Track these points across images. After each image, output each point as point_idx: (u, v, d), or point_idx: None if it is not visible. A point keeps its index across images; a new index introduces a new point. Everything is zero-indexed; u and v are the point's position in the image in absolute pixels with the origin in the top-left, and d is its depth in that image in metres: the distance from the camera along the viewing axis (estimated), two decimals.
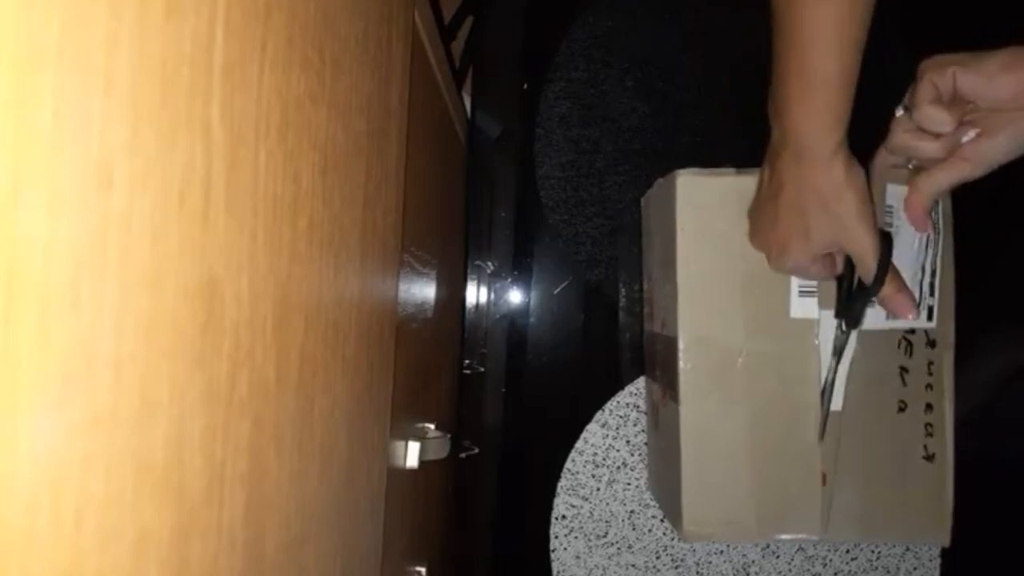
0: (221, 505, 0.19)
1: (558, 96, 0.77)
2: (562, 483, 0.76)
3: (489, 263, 0.77)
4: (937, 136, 0.48)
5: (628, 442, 0.76)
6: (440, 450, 0.51)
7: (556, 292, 0.78)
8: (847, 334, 0.57)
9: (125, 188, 0.14)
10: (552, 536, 0.76)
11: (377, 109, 0.35)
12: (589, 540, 0.76)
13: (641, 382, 0.76)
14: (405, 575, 0.49)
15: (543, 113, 0.77)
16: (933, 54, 0.47)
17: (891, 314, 0.55)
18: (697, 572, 0.76)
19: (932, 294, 0.57)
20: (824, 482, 0.57)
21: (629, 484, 0.76)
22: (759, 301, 0.57)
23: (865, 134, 0.50)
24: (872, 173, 0.54)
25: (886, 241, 0.51)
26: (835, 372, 0.57)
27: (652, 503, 0.75)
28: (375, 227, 0.35)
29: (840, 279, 0.55)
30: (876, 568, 0.76)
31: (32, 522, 0.12)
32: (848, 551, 0.76)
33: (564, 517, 0.76)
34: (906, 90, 0.49)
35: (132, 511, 0.15)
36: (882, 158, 0.53)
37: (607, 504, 0.76)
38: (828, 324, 0.57)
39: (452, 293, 0.70)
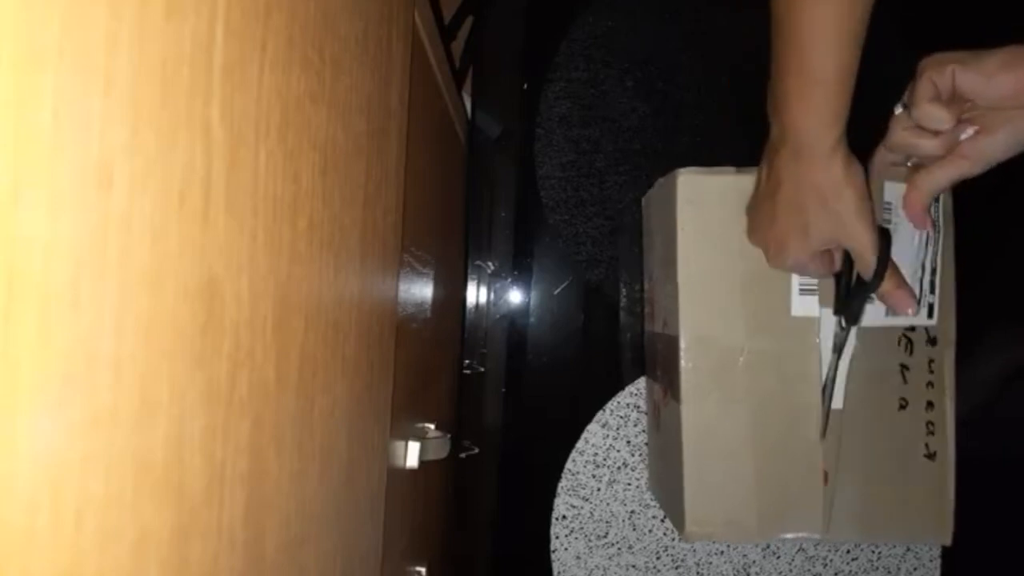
0: (221, 505, 0.19)
1: (558, 96, 0.77)
2: (562, 483, 0.76)
3: (489, 263, 0.77)
4: (936, 134, 0.48)
5: (629, 442, 0.76)
6: (440, 450, 0.51)
7: (556, 292, 0.78)
8: (846, 331, 0.57)
9: (125, 188, 0.14)
10: (552, 536, 0.76)
11: (377, 109, 0.35)
12: (589, 540, 0.76)
13: (642, 382, 0.76)
14: (405, 575, 0.49)
15: (543, 113, 0.77)
16: (932, 53, 0.47)
17: (891, 310, 0.55)
18: (698, 572, 0.76)
19: (932, 291, 0.57)
20: (826, 481, 0.57)
21: (630, 484, 0.76)
22: (760, 300, 0.57)
23: (864, 132, 0.50)
24: (871, 171, 0.54)
25: (885, 238, 0.51)
26: (835, 369, 0.57)
27: (653, 503, 0.75)
28: (375, 227, 0.35)
29: (838, 276, 0.55)
30: (877, 568, 0.76)
31: (32, 522, 0.12)
32: (849, 551, 0.76)
33: (564, 517, 0.76)
34: (905, 88, 0.49)
35: (132, 511, 0.15)
36: (881, 156, 0.53)
37: (608, 504, 0.76)
38: (829, 322, 0.57)
39: (452, 293, 0.70)
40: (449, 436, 0.54)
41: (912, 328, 0.58)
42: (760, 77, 0.50)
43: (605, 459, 0.76)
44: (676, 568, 0.76)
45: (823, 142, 0.48)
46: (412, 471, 0.46)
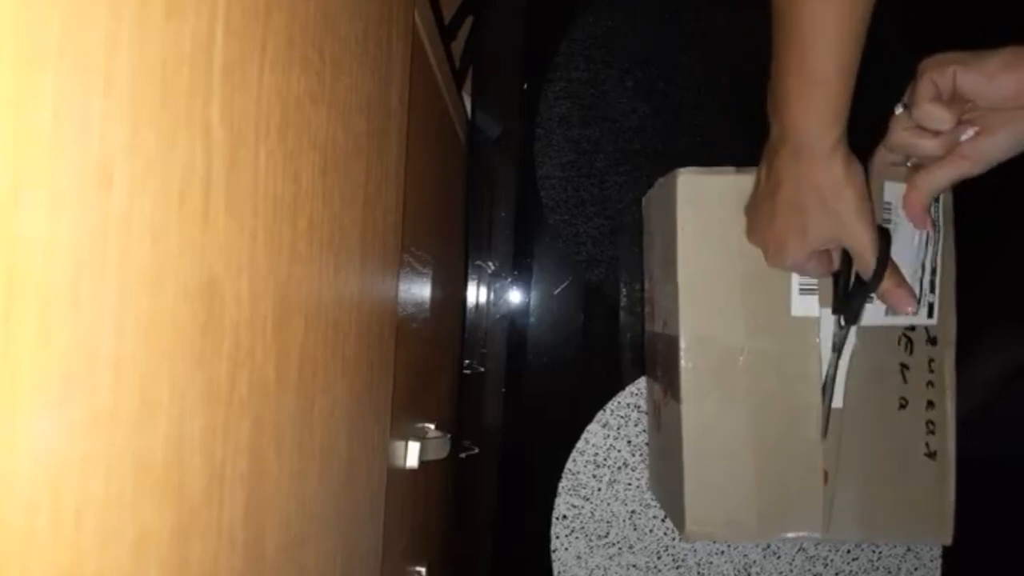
0: (221, 505, 0.19)
1: (558, 96, 0.77)
2: (563, 483, 0.76)
3: (489, 263, 0.77)
4: (936, 134, 0.48)
5: (629, 442, 0.76)
6: (440, 450, 0.51)
7: (556, 292, 0.78)
8: (846, 330, 0.57)
9: (125, 188, 0.14)
10: (553, 536, 0.76)
11: (377, 109, 0.35)
12: (590, 540, 0.76)
13: (642, 382, 0.76)
14: (405, 575, 0.49)
15: (543, 113, 0.77)
16: (933, 53, 0.47)
17: (891, 309, 0.55)
18: (698, 572, 0.76)
19: (932, 291, 0.57)
20: (826, 480, 0.57)
21: (630, 484, 0.76)
22: (760, 299, 0.57)
23: (864, 132, 0.50)
24: (871, 171, 0.54)
25: (884, 237, 0.51)
26: (835, 369, 0.57)
27: (653, 503, 0.75)
28: (375, 227, 0.35)
29: (837, 275, 0.55)
30: (877, 568, 0.76)
31: (32, 522, 0.12)
32: (849, 551, 0.76)
33: (565, 517, 0.76)
34: (905, 88, 0.49)
35: (132, 511, 0.15)
36: (881, 156, 0.53)
37: (608, 504, 0.76)
38: (829, 322, 0.57)
39: (452, 293, 0.70)
40: (449, 436, 0.54)
41: (912, 327, 0.58)
42: (760, 77, 0.50)
43: (606, 459, 0.76)
44: (677, 568, 0.76)
45: (823, 142, 0.48)
46: (412, 471, 0.46)
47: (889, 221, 0.56)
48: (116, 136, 0.14)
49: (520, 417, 0.77)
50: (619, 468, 0.76)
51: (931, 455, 0.58)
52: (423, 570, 0.53)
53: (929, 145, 0.49)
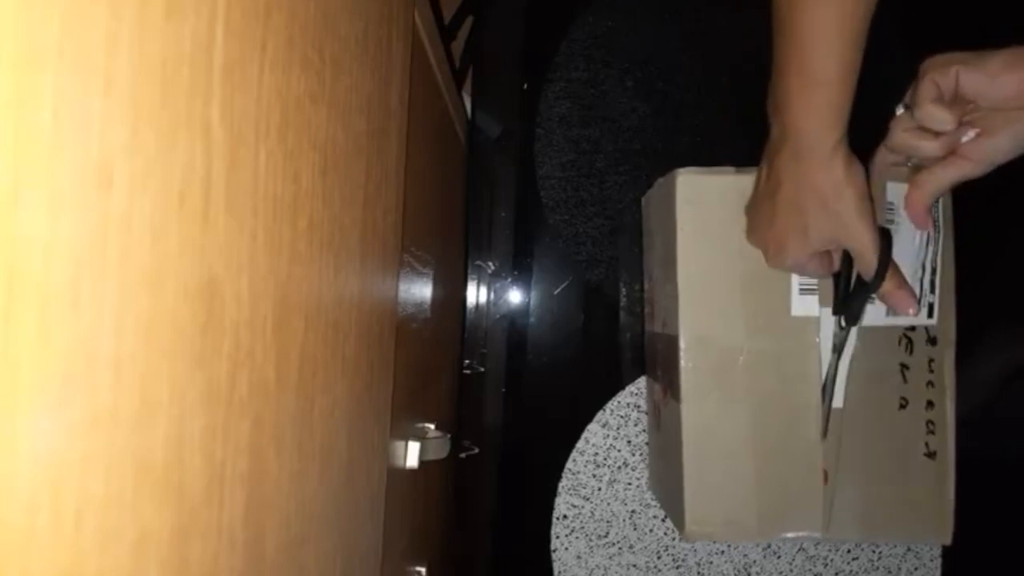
0: (221, 505, 0.19)
1: (558, 96, 0.77)
2: (563, 483, 0.76)
3: (489, 263, 0.77)
4: (937, 135, 0.48)
5: (629, 442, 0.76)
6: (440, 450, 0.51)
7: (556, 292, 0.78)
8: (846, 331, 0.57)
9: (125, 188, 0.14)
10: (553, 536, 0.76)
11: (377, 109, 0.35)
12: (590, 540, 0.76)
13: (642, 382, 0.76)
14: (405, 575, 0.49)
15: (543, 113, 0.77)
16: (933, 54, 0.47)
17: (892, 310, 0.55)
18: (698, 572, 0.76)
19: (933, 291, 0.57)
20: (826, 480, 0.57)
21: (630, 484, 0.76)
22: (760, 299, 0.57)
23: (865, 133, 0.50)
24: (872, 171, 0.54)
25: (885, 238, 0.51)
26: (835, 369, 0.57)
27: (653, 503, 0.75)
28: (375, 227, 0.35)
29: (836, 276, 0.55)
30: (877, 568, 0.76)
31: (32, 522, 0.12)
32: (849, 551, 0.76)
33: (565, 517, 0.76)
34: (906, 89, 0.49)
35: (132, 511, 0.15)
36: (882, 157, 0.53)
37: (608, 504, 0.76)
38: (829, 322, 0.57)
39: (452, 293, 0.70)
40: (449, 436, 0.54)
41: (912, 328, 0.58)
42: (760, 77, 0.50)
43: (605, 459, 0.76)
44: (677, 568, 0.76)
45: (824, 142, 0.48)
46: (412, 471, 0.46)
47: (892, 222, 0.56)
48: (116, 136, 0.14)
49: (520, 417, 0.77)
50: (619, 468, 0.76)
51: (931, 455, 0.58)
52: (423, 570, 0.53)
53: (930, 146, 0.49)
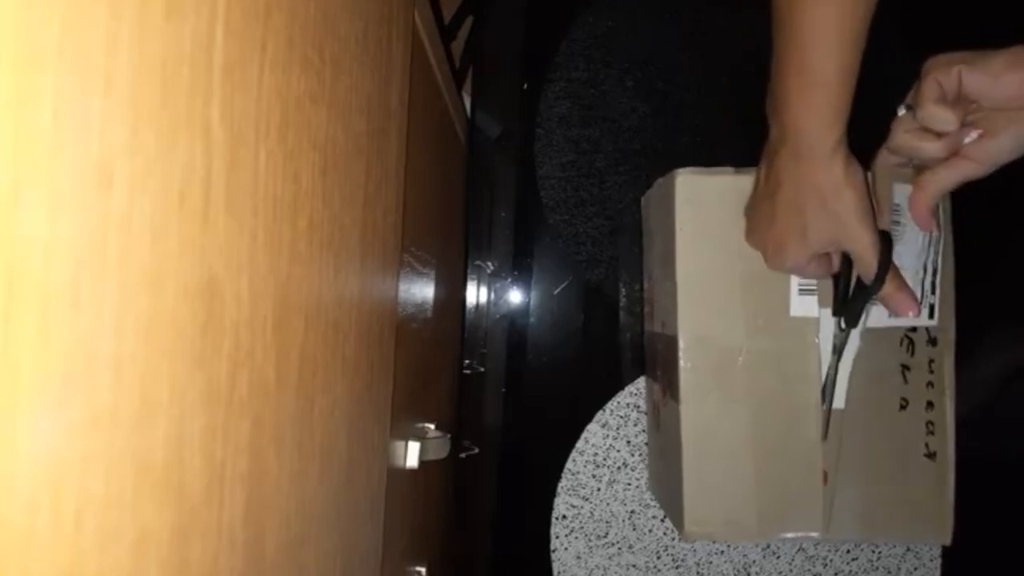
0: (221, 505, 0.19)
1: (558, 96, 0.77)
2: (562, 483, 0.76)
3: (489, 263, 0.77)
4: (939, 136, 0.48)
5: (629, 442, 0.76)
6: (440, 450, 0.51)
7: (556, 292, 0.78)
8: (846, 332, 0.57)
9: (125, 188, 0.14)
10: (552, 536, 0.76)
11: (377, 109, 0.35)
12: (590, 540, 0.76)
13: (641, 382, 0.76)
14: (405, 575, 0.49)
15: (543, 113, 0.77)
16: (933, 53, 0.47)
17: (892, 312, 0.55)
18: (698, 572, 0.76)
19: (933, 292, 0.57)
20: (825, 480, 0.57)
21: (630, 484, 0.76)
22: (759, 300, 0.57)
23: (866, 133, 0.50)
24: (873, 172, 0.54)
25: (886, 240, 0.51)
26: (835, 370, 0.57)
27: (653, 503, 0.75)
28: (375, 227, 0.35)
29: (836, 277, 0.55)
30: (877, 568, 0.76)
31: (32, 522, 0.12)
32: (849, 551, 0.76)
33: (565, 517, 0.76)
34: (908, 89, 0.49)
35: (132, 511, 0.15)
36: (883, 158, 0.53)
37: (608, 504, 0.76)
38: (828, 322, 0.57)
39: (452, 293, 0.70)
40: (449, 436, 0.54)
41: (914, 328, 0.58)
42: (760, 77, 0.50)
43: (605, 459, 0.76)
44: (676, 568, 0.76)
45: (824, 143, 0.48)
46: (412, 471, 0.46)
47: (898, 223, 0.56)
48: (116, 136, 0.14)
49: (520, 417, 0.77)
50: (619, 468, 0.76)
51: (931, 455, 0.58)
52: (423, 570, 0.53)
53: (933, 147, 0.48)
